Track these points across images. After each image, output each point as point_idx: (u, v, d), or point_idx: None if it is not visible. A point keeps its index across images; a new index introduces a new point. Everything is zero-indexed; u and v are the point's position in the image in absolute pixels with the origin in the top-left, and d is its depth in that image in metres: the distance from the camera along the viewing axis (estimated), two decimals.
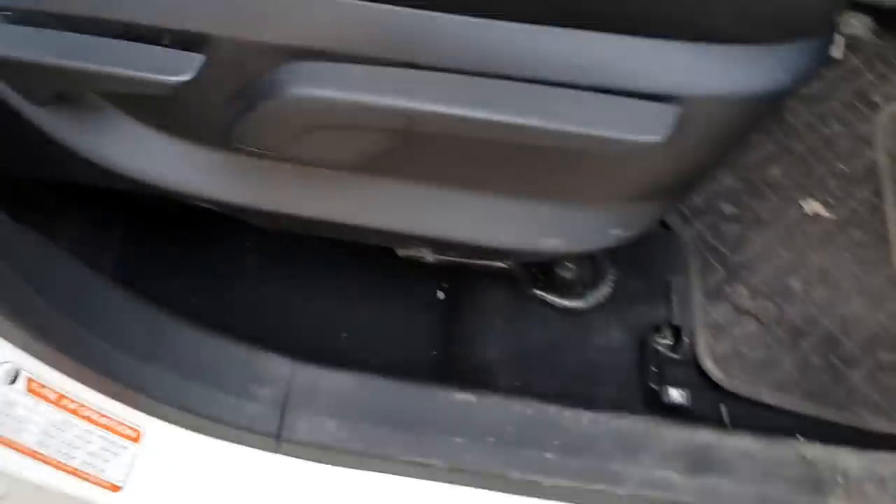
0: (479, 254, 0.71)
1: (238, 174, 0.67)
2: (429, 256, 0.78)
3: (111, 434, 0.67)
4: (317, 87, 0.55)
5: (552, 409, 0.69)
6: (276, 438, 0.67)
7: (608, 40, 0.53)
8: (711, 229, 1.04)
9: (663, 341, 0.87)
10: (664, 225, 0.94)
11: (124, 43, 0.54)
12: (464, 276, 0.90)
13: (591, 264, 0.88)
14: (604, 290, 0.88)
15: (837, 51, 1.12)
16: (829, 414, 0.84)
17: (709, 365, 0.85)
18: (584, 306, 0.87)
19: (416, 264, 0.82)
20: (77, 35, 0.54)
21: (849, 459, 0.70)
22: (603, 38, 0.53)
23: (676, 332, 0.87)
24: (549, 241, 0.69)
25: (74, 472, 0.66)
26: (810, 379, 0.86)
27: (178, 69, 0.54)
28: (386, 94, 0.54)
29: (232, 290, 0.90)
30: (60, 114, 0.62)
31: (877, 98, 1.16)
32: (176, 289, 0.85)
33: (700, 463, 0.68)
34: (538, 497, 0.67)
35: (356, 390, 0.71)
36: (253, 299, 0.90)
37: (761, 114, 0.59)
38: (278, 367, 0.71)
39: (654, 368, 0.84)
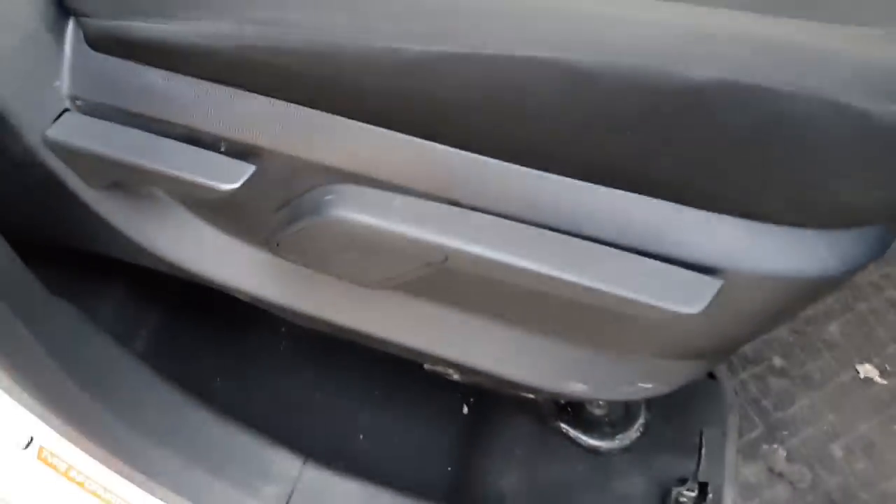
0: (504, 385, 0.70)
1: (277, 275, 0.68)
2: (455, 375, 0.77)
3: None
4: (359, 212, 0.55)
5: None
6: None
7: (654, 204, 0.53)
8: (757, 380, 1.01)
9: (688, 494, 0.83)
10: (709, 373, 0.91)
11: (183, 146, 0.56)
12: (491, 394, 0.89)
13: (623, 404, 0.85)
14: (632, 434, 0.85)
15: None
16: None
17: None
18: (609, 447, 0.85)
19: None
20: (141, 133, 0.57)
21: None
22: (649, 202, 0.53)
23: (703, 488, 0.83)
24: (576, 386, 0.67)
25: None
26: None
27: (230, 177, 0.55)
28: (425, 229, 0.54)
29: (257, 378, 0.90)
30: (115, 198, 0.65)
31: None
32: (203, 370, 0.86)
33: None
34: None
35: (363, 502, 0.70)
36: (276, 389, 0.90)
37: (809, 297, 0.57)
38: (287, 464, 0.71)
39: None
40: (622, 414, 0.85)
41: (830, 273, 0.54)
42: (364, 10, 0.49)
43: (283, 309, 0.71)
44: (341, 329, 0.70)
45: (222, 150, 0.57)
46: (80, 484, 0.67)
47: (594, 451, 0.85)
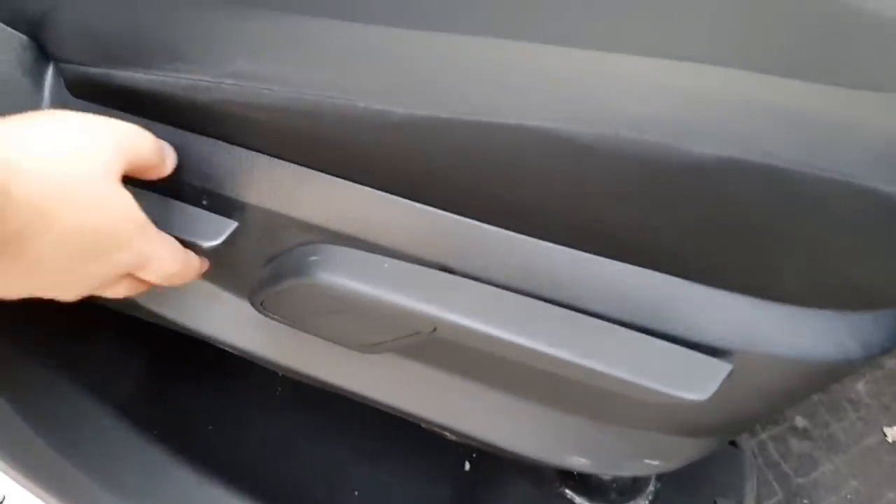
0: (502, 452, 0.66)
1: (264, 330, 0.64)
2: (451, 436, 0.73)
3: None
4: (345, 276, 0.52)
5: None
6: None
7: (658, 278, 0.49)
8: (778, 442, 0.96)
9: None
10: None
11: (163, 199, 0.53)
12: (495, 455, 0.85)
13: None
14: (641, 503, 0.80)
15: None
16: None
17: None
18: None
19: None
20: None
21: None
22: (652, 275, 0.49)
23: None
24: (577, 460, 0.63)
25: None
26: None
27: (211, 234, 0.52)
28: (414, 298, 0.51)
29: (249, 428, 0.87)
30: None
31: None
32: (188, 421, 0.83)
33: None
34: None
35: None
36: (269, 439, 0.86)
37: (827, 381, 0.53)
38: None
39: None
40: (630, 482, 0.80)
41: (850, 357, 0.50)
42: (347, 69, 0.46)
43: (269, 363, 0.68)
44: (331, 387, 0.67)
45: (204, 203, 0.54)
46: None
47: None
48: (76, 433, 0.66)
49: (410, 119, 0.44)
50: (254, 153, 0.52)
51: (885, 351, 0.51)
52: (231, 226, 0.53)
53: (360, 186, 0.51)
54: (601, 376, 0.49)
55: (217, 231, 0.53)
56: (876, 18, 0.48)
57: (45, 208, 0.40)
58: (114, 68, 0.50)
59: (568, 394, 0.59)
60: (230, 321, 0.65)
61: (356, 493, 0.84)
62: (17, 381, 0.59)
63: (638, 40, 0.49)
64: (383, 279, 0.52)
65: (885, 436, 0.97)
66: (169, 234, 0.51)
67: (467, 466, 0.88)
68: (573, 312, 0.50)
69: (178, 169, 0.53)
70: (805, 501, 0.90)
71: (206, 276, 0.62)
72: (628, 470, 0.64)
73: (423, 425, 0.76)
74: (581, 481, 0.80)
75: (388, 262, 0.52)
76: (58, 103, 0.55)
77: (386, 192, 0.50)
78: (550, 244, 0.49)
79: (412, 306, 0.51)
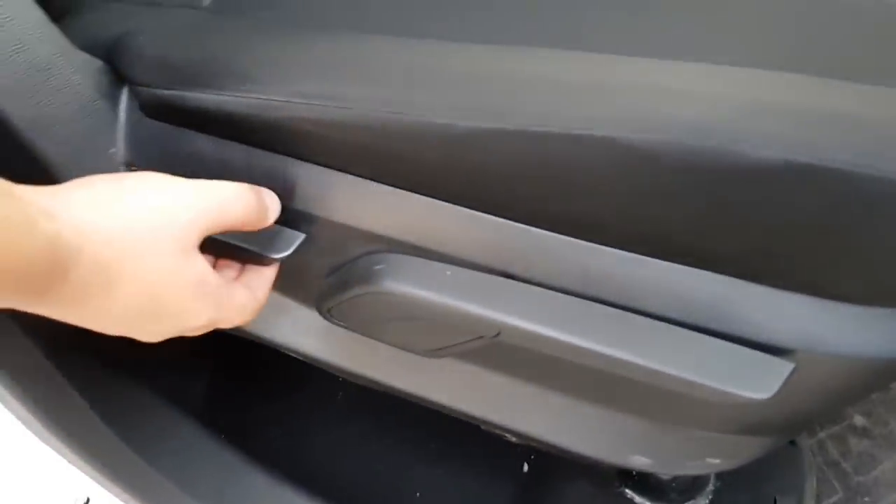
0: (563, 452, 0.67)
1: (329, 336, 0.66)
2: (512, 438, 0.75)
3: None
4: (410, 283, 0.54)
5: None
6: None
7: (718, 280, 0.50)
8: (837, 441, 0.95)
9: None
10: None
11: None
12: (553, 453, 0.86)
13: None
14: (701, 502, 0.81)
15: None
16: None
17: None
18: None
19: None
20: None
21: None
22: (712, 277, 0.50)
23: None
24: (638, 459, 0.64)
25: None
26: None
27: (280, 247, 0.54)
28: (478, 303, 0.52)
29: (312, 431, 0.89)
30: None
31: None
32: (256, 425, 0.85)
33: None
34: None
35: None
36: (332, 441, 0.89)
37: (887, 378, 0.53)
38: None
39: None
40: (690, 480, 0.81)
41: None
42: (412, 85, 0.47)
43: (335, 369, 0.70)
44: (394, 391, 0.69)
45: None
46: None
47: None
48: (154, 438, 0.68)
49: (474, 132, 0.45)
50: (321, 168, 0.54)
51: None
52: (299, 238, 0.54)
53: (423, 197, 0.52)
54: (666, 377, 0.50)
55: (286, 243, 0.54)
56: None
57: (110, 273, 0.40)
58: (186, 90, 0.53)
59: (630, 395, 0.59)
60: (296, 329, 0.67)
61: (417, 494, 0.86)
62: (100, 389, 0.62)
63: (691, 46, 0.50)
64: (447, 286, 0.53)
65: None
66: (238, 245, 0.52)
67: (526, 467, 0.89)
68: (636, 315, 0.51)
69: (249, 183, 0.55)
70: (866, 499, 0.90)
71: (273, 286, 0.64)
72: (690, 469, 0.64)
73: (483, 427, 0.77)
74: (641, 481, 0.80)
75: (450, 270, 0.54)
76: (132, 123, 0.57)
77: (449, 202, 0.51)
78: (611, 248, 0.50)
79: (476, 312, 0.52)
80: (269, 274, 0.53)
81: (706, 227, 0.46)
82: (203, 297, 0.45)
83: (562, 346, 0.51)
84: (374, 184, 0.53)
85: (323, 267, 0.59)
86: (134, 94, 0.56)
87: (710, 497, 0.80)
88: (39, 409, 0.61)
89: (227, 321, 0.48)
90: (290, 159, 0.54)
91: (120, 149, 0.58)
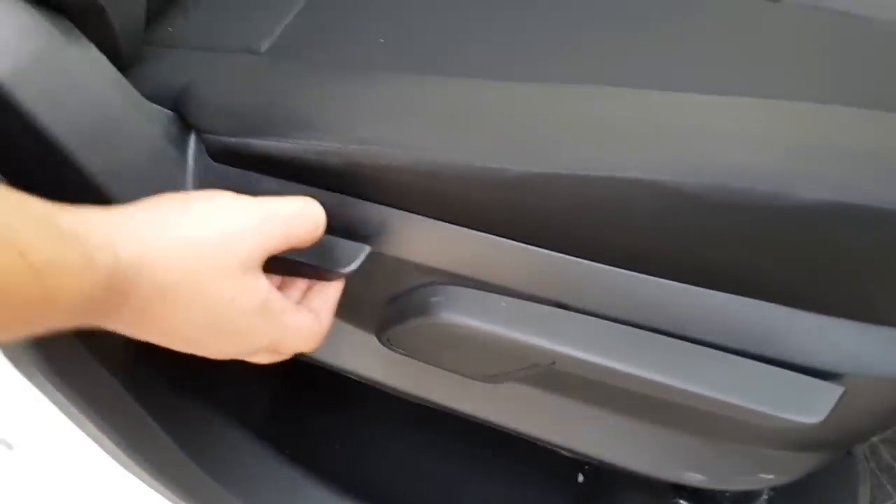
0: (618, 470, 0.69)
1: (387, 361, 0.69)
2: (566, 453, 0.77)
3: None
4: (466, 314, 0.56)
5: None
6: None
7: (766, 308, 0.51)
8: (890, 446, 0.95)
9: None
10: None
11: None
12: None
13: None
14: None
15: None
16: None
17: None
18: None
19: None
20: None
21: None
22: (760, 305, 0.51)
23: None
24: (692, 476, 0.65)
25: None
26: None
27: (346, 261, 0.56)
28: (533, 333, 0.54)
29: (368, 447, 0.92)
30: None
31: None
32: (315, 441, 0.88)
33: None
34: None
35: None
36: (387, 458, 0.91)
37: None
38: None
39: None
40: (743, 491, 0.82)
41: None
42: (462, 131, 0.50)
43: (394, 391, 0.72)
44: (450, 410, 0.71)
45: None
46: None
47: None
48: (220, 454, 0.72)
49: (525, 176, 0.47)
50: (378, 205, 0.56)
51: None
52: (365, 250, 0.54)
53: (476, 232, 0.54)
54: (718, 403, 0.52)
55: (352, 257, 0.55)
56: None
57: (171, 296, 0.40)
58: (250, 137, 0.55)
59: (683, 417, 0.61)
60: (356, 353, 0.70)
61: None
62: (167, 408, 0.65)
63: (730, 78, 0.51)
64: (502, 317, 0.55)
65: None
66: (304, 262, 0.54)
67: (581, 478, 0.91)
68: (687, 343, 0.52)
69: None
70: None
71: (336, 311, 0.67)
72: (743, 484, 0.65)
73: (537, 443, 0.79)
74: (694, 492, 0.82)
75: (505, 301, 0.56)
76: (200, 167, 0.60)
77: (502, 237, 0.53)
78: (661, 279, 0.52)
79: (530, 341, 0.55)
80: (333, 294, 0.53)
81: (753, 262, 0.47)
82: (265, 319, 0.45)
83: (616, 374, 0.53)
84: (430, 220, 0.55)
85: (381, 296, 0.62)
86: (201, 141, 0.59)
87: None
88: (117, 435, 0.65)
89: (290, 344, 0.49)
90: (349, 198, 0.57)
91: (189, 190, 0.61)
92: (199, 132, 0.59)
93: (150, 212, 0.42)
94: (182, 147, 0.60)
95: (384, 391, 0.80)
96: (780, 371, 0.51)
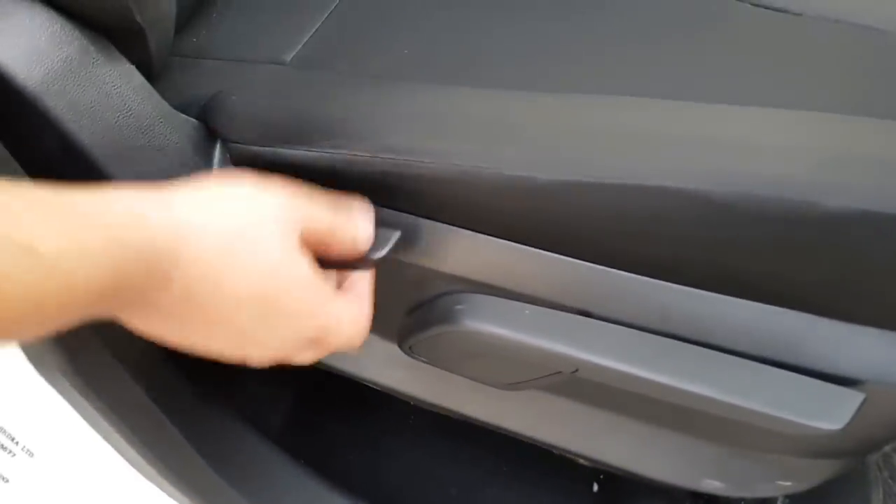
0: (636, 478, 0.70)
1: (407, 369, 0.70)
2: (583, 461, 0.77)
3: None
4: (490, 322, 0.56)
5: None
6: None
7: (789, 315, 0.52)
8: None
9: None
10: None
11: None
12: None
13: None
14: None
15: None
16: None
17: None
18: None
19: None
20: None
21: None
22: (784, 313, 0.52)
23: None
24: (711, 483, 0.66)
25: None
26: None
27: (376, 246, 0.55)
28: (556, 341, 0.55)
29: (385, 456, 0.92)
30: None
31: None
32: (332, 450, 0.89)
33: None
34: None
35: None
36: (404, 466, 0.92)
37: None
38: None
39: None
40: (759, 499, 0.82)
41: None
42: (493, 140, 0.50)
43: (414, 399, 0.73)
44: (469, 419, 0.72)
45: None
46: None
47: None
48: (239, 462, 0.72)
49: (554, 184, 0.48)
50: (404, 213, 0.57)
51: None
52: (395, 235, 0.54)
53: (501, 241, 0.55)
54: (740, 410, 0.52)
55: (382, 242, 0.55)
56: None
57: (213, 274, 0.39)
58: (279, 146, 0.56)
59: (704, 424, 0.61)
60: (377, 362, 0.71)
61: None
62: (187, 414, 0.66)
63: (757, 89, 0.52)
64: (526, 325, 0.56)
65: None
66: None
67: (596, 487, 0.91)
68: (710, 350, 0.53)
69: None
70: None
71: None
72: (761, 491, 0.66)
73: (555, 451, 0.80)
74: (711, 499, 0.82)
75: (529, 309, 0.56)
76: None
77: (528, 245, 0.54)
78: (685, 287, 0.52)
79: (554, 349, 0.55)
80: (370, 281, 0.52)
81: (779, 271, 0.48)
82: (313, 299, 0.44)
83: (639, 382, 0.54)
84: (455, 228, 0.56)
85: (404, 304, 0.62)
86: (226, 150, 0.60)
87: None
88: (137, 441, 0.66)
89: (337, 333, 0.47)
90: (375, 206, 0.57)
91: None
92: (225, 142, 0.59)
93: (190, 189, 0.41)
94: (208, 156, 0.60)
95: (401, 399, 0.80)
96: (802, 378, 0.52)
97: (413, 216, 0.56)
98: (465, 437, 0.93)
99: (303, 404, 0.93)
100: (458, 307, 0.58)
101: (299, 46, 0.64)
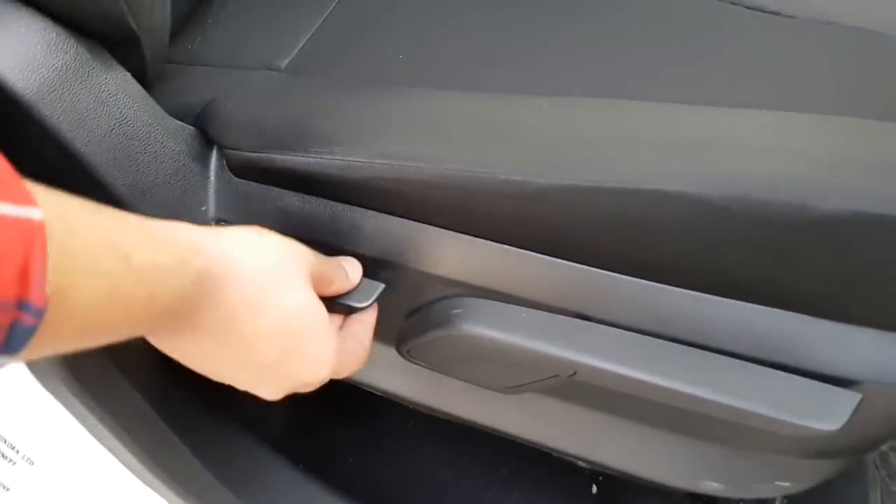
0: (634, 478, 0.70)
1: (405, 373, 0.70)
2: (582, 464, 0.77)
3: None
4: (487, 326, 0.57)
5: None
6: None
7: (786, 317, 0.52)
8: None
9: None
10: None
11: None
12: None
13: None
14: None
15: None
16: None
17: None
18: None
19: None
20: None
21: None
22: (780, 314, 0.52)
23: None
24: (709, 485, 0.66)
25: None
26: None
27: (362, 297, 0.57)
28: (554, 344, 0.55)
29: (384, 460, 0.92)
30: None
31: None
32: (331, 455, 0.89)
33: None
34: None
35: None
36: (403, 470, 0.92)
37: None
38: None
39: None
40: (758, 500, 0.82)
41: None
42: (489, 145, 0.50)
43: (412, 403, 0.73)
44: (468, 423, 0.72)
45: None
46: None
47: None
48: (238, 467, 0.72)
49: (549, 188, 0.48)
50: (400, 219, 0.57)
51: None
52: (380, 288, 0.57)
53: (498, 245, 0.55)
54: (737, 411, 0.52)
55: (369, 294, 0.57)
56: None
57: (254, 302, 0.44)
58: (273, 152, 0.56)
59: (703, 426, 0.61)
60: (375, 366, 0.70)
61: None
62: (186, 421, 0.66)
63: (752, 92, 0.52)
64: (523, 328, 0.56)
65: None
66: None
67: (595, 489, 0.91)
68: (707, 352, 0.53)
69: (332, 235, 0.58)
70: None
71: None
72: (760, 492, 0.66)
73: (553, 454, 0.80)
74: (710, 500, 0.82)
75: (526, 312, 0.56)
76: (222, 182, 0.61)
77: (524, 249, 0.54)
78: (683, 290, 0.52)
79: (552, 352, 0.55)
80: (369, 322, 0.57)
81: (776, 272, 0.48)
82: (329, 337, 0.49)
83: (637, 385, 0.54)
84: (451, 232, 0.56)
85: (402, 309, 0.63)
86: (222, 156, 0.60)
87: None
88: (138, 448, 0.66)
89: (343, 367, 0.53)
90: (371, 212, 0.57)
91: (210, 206, 0.61)
92: (221, 148, 0.60)
93: (233, 229, 0.47)
94: (204, 162, 0.60)
95: (399, 403, 0.81)
96: (799, 379, 0.52)
97: (410, 221, 0.57)
98: (464, 440, 0.93)
99: (301, 409, 0.93)
100: (456, 311, 0.58)
101: (294, 52, 0.65)
